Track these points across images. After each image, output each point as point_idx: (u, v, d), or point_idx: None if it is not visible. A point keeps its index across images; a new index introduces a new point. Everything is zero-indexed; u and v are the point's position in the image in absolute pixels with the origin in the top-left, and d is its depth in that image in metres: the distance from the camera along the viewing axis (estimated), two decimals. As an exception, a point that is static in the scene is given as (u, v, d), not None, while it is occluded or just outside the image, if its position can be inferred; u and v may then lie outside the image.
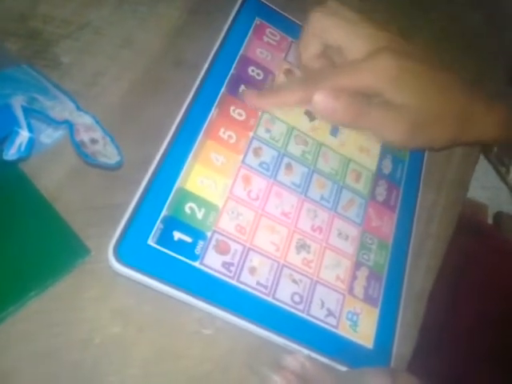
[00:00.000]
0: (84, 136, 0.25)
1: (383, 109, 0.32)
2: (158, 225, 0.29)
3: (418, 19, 0.46)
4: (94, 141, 0.26)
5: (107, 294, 0.28)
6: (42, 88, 0.26)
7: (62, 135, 0.28)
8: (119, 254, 0.28)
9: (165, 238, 0.29)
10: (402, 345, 0.33)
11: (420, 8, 0.47)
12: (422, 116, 0.32)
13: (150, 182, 0.30)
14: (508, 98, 0.44)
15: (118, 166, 0.27)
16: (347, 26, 0.33)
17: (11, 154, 0.23)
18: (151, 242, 0.29)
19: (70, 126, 0.25)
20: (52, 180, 0.29)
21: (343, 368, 0.31)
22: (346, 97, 0.32)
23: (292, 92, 0.34)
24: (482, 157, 0.51)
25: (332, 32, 0.34)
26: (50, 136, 0.27)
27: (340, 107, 0.32)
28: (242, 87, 0.36)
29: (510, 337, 0.42)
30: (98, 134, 0.26)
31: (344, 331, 0.32)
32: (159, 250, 0.29)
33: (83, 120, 0.26)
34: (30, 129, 0.24)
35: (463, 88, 0.35)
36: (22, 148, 0.24)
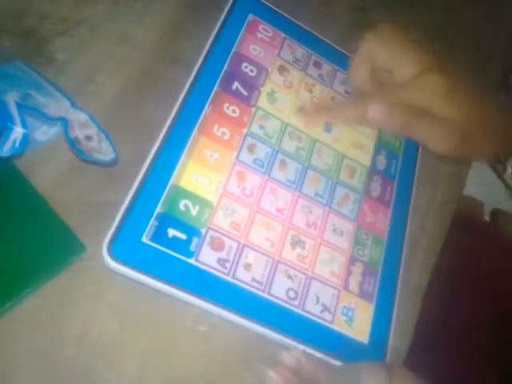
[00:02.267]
0: (79, 133, 0.26)
1: (432, 121, 0.35)
2: (153, 222, 0.30)
3: (414, 16, 0.47)
4: (88, 137, 0.26)
5: (103, 291, 0.29)
6: (36, 85, 0.27)
7: (57, 132, 0.28)
8: (113, 252, 0.28)
9: (159, 235, 0.30)
10: (398, 340, 0.34)
11: (415, 5, 0.48)
12: (467, 129, 0.35)
13: (144, 180, 0.31)
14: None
15: (113, 163, 0.28)
16: (395, 49, 0.36)
17: (5, 150, 0.24)
18: (145, 239, 0.30)
19: (64, 122, 0.26)
20: (47, 177, 0.30)
21: (338, 363, 0.32)
22: (398, 107, 0.35)
23: (348, 109, 0.37)
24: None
25: (381, 55, 0.36)
26: (44, 133, 0.28)
27: (393, 117, 0.35)
28: (236, 84, 0.37)
29: (505, 335, 0.43)
30: (92, 131, 0.27)
31: (339, 326, 0.33)
32: (154, 247, 0.30)
33: (78, 117, 0.26)
34: (24, 125, 0.24)
35: (497, 106, 0.38)
36: (17, 144, 0.24)
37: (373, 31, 0.38)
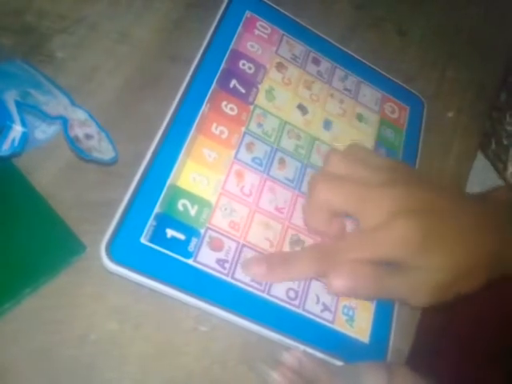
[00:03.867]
0: (78, 131, 0.26)
1: (408, 275, 0.31)
2: (151, 222, 0.31)
3: (415, 14, 0.47)
4: (88, 136, 0.27)
5: (103, 291, 0.29)
6: (36, 83, 0.27)
7: (57, 131, 0.28)
8: (112, 253, 0.29)
9: (158, 236, 0.30)
10: (399, 340, 0.35)
11: (416, 3, 0.49)
12: (451, 275, 0.31)
13: (142, 180, 0.31)
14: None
15: (112, 162, 0.28)
16: (353, 193, 0.32)
17: (4, 149, 0.24)
18: (144, 240, 0.30)
19: (64, 121, 0.26)
20: (46, 176, 0.30)
21: (340, 363, 0.32)
22: (363, 273, 0.31)
23: (306, 266, 0.32)
24: (479, 153, 0.53)
25: (337, 203, 0.32)
26: (44, 132, 0.28)
27: (360, 286, 0.31)
28: (234, 81, 0.37)
29: (510, 337, 0.43)
30: (92, 130, 0.27)
31: (340, 326, 0.33)
32: (152, 248, 0.30)
33: (78, 115, 0.27)
34: (24, 123, 0.25)
35: (494, 220, 0.34)
36: (16, 143, 0.24)
37: (323, 172, 0.34)
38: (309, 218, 0.34)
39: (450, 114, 0.44)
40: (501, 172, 0.50)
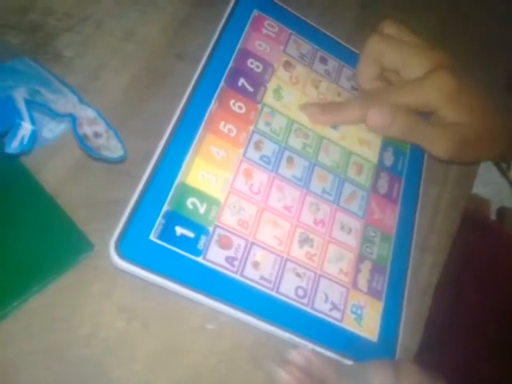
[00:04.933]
0: (87, 129, 0.26)
1: (436, 126, 0.35)
2: (160, 220, 0.31)
3: (422, 14, 0.47)
4: (97, 134, 0.27)
5: (111, 289, 0.29)
6: (44, 81, 0.27)
7: (65, 129, 0.28)
8: (121, 250, 0.29)
9: (167, 234, 0.30)
10: (408, 338, 0.35)
11: (423, 2, 0.49)
12: (473, 133, 0.35)
13: (151, 177, 0.31)
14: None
15: (121, 160, 0.28)
16: (403, 49, 0.36)
17: (13, 147, 0.24)
18: (153, 237, 0.30)
19: (72, 119, 0.26)
20: (54, 174, 0.30)
21: (348, 362, 0.32)
22: (400, 113, 0.34)
23: (352, 109, 0.37)
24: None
25: (388, 56, 0.36)
26: (52, 130, 0.28)
27: (395, 124, 0.34)
28: (242, 80, 0.37)
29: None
30: (101, 128, 0.27)
31: (349, 325, 0.33)
32: (161, 246, 0.30)
33: (86, 113, 0.27)
34: (33, 121, 0.25)
35: (504, 109, 0.38)
36: (25, 141, 0.24)
37: (380, 30, 0.38)
38: (360, 69, 0.38)
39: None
40: (504, 172, 0.50)
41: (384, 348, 0.34)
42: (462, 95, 0.34)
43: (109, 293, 0.29)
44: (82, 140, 0.26)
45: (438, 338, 0.38)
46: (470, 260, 0.48)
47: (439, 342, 0.39)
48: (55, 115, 0.26)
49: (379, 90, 0.38)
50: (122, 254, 0.29)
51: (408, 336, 0.35)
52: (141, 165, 0.31)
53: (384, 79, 0.39)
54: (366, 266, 0.36)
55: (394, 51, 0.36)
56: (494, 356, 0.40)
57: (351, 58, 0.43)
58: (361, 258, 0.36)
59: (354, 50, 0.43)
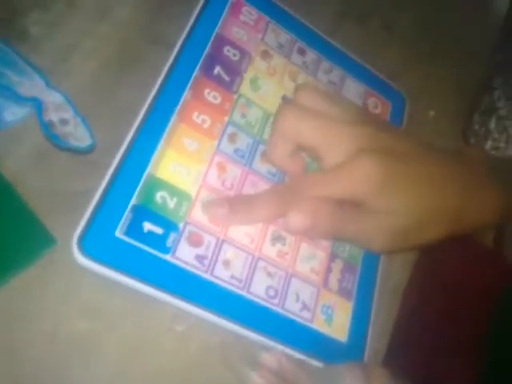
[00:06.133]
0: (53, 116, 0.24)
1: (367, 217, 0.31)
2: (127, 215, 0.29)
3: (400, 13, 0.47)
4: (64, 121, 0.25)
5: (74, 287, 0.28)
6: (9, 62, 0.25)
7: (28, 113, 0.26)
8: (84, 247, 0.27)
9: (134, 230, 0.29)
10: (377, 339, 0.35)
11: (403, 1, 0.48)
12: (412, 221, 0.30)
13: (119, 168, 0.29)
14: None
15: (89, 150, 0.27)
16: (320, 127, 0.31)
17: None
18: (119, 233, 0.28)
19: (38, 104, 0.24)
20: (15, 161, 0.28)
21: (317, 363, 0.32)
22: (324, 212, 0.30)
23: (267, 208, 0.32)
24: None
25: (303, 134, 0.31)
26: (14, 114, 0.26)
27: (319, 224, 0.30)
28: (218, 68, 0.36)
29: (477, 334, 0.44)
30: (68, 115, 0.25)
31: (319, 325, 0.33)
32: (128, 243, 0.29)
33: (53, 98, 0.25)
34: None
35: (460, 175, 0.33)
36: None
37: (294, 99, 0.33)
38: (272, 149, 0.33)
39: (432, 113, 0.44)
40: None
41: (353, 349, 0.34)
42: (392, 182, 0.29)
43: (71, 291, 0.28)
44: (46, 127, 0.24)
45: (404, 335, 0.38)
46: (437, 264, 0.48)
47: (405, 339, 0.39)
48: (19, 99, 0.24)
49: (296, 181, 0.32)
50: (84, 251, 0.27)
51: (377, 337, 0.35)
52: (109, 154, 0.29)
53: (300, 158, 0.34)
54: (338, 265, 0.35)
55: (309, 128, 0.30)
56: (461, 359, 0.41)
57: (330, 51, 0.42)
58: (332, 256, 0.35)
59: (333, 42, 0.42)
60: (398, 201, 0.30)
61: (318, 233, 0.32)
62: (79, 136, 0.26)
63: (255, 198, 0.32)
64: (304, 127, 0.31)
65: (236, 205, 0.32)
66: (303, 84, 0.36)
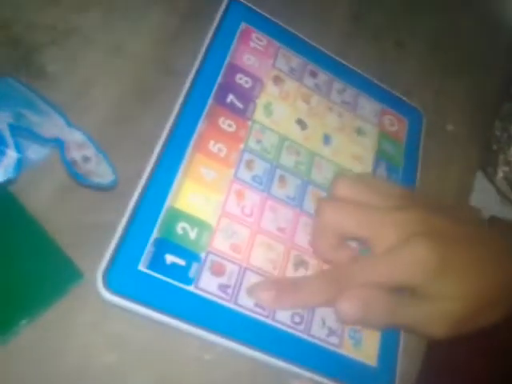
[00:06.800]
0: (75, 154, 0.25)
1: (423, 304, 0.30)
2: (149, 248, 0.29)
3: (413, 25, 0.47)
4: (86, 159, 0.25)
5: (101, 320, 0.28)
6: (28, 102, 0.26)
7: (50, 150, 0.27)
8: (109, 283, 0.27)
9: (156, 262, 0.29)
10: (407, 363, 0.34)
11: (416, 13, 0.48)
12: (469, 306, 0.29)
13: (139, 202, 0.30)
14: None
15: (112, 186, 0.27)
16: (363, 218, 0.30)
17: (-2, 176, 0.23)
18: (142, 267, 0.29)
19: (60, 143, 0.25)
20: (40, 198, 0.28)
21: (348, 390, 0.31)
22: (376, 298, 0.29)
23: (317, 292, 0.31)
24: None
25: (347, 227, 0.30)
26: (37, 152, 0.26)
27: (371, 313, 0.30)
28: (231, 96, 0.36)
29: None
30: (90, 152, 0.26)
31: (347, 350, 0.33)
32: (151, 276, 0.29)
33: (74, 137, 0.25)
34: (18, 149, 0.23)
35: (506, 252, 0.32)
36: (10, 169, 0.23)
37: (333, 195, 0.32)
38: (316, 243, 0.32)
39: (450, 127, 0.44)
40: (491, 177, 0.50)
41: (384, 374, 0.33)
42: (446, 267, 0.29)
43: (98, 324, 0.28)
44: (70, 166, 0.25)
45: (436, 363, 0.37)
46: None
47: (437, 368, 0.38)
48: (41, 140, 0.25)
49: (346, 266, 0.31)
50: (109, 286, 0.27)
51: (408, 361, 0.34)
52: (130, 187, 0.30)
53: (347, 248, 0.33)
54: (363, 288, 0.35)
55: (351, 223, 0.30)
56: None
57: (342, 71, 0.42)
58: (357, 279, 0.35)
59: (344, 62, 0.42)
60: (454, 286, 0.29)
61: (371, 321, 0.31)
62: (101, 173, 0.26)
63: (303, 283, 0.32)
64: (346, 222, 0.30)
65: (283, 289, 0.31)
66: (339, 175, 0.35)
